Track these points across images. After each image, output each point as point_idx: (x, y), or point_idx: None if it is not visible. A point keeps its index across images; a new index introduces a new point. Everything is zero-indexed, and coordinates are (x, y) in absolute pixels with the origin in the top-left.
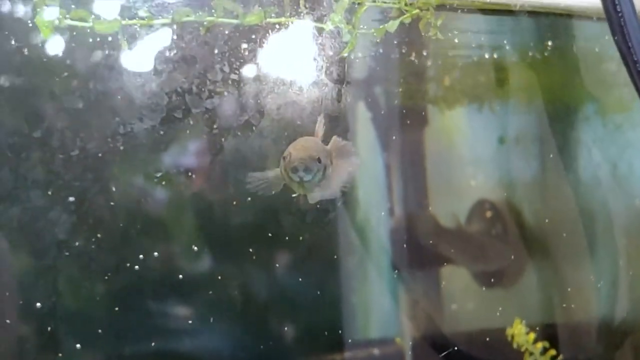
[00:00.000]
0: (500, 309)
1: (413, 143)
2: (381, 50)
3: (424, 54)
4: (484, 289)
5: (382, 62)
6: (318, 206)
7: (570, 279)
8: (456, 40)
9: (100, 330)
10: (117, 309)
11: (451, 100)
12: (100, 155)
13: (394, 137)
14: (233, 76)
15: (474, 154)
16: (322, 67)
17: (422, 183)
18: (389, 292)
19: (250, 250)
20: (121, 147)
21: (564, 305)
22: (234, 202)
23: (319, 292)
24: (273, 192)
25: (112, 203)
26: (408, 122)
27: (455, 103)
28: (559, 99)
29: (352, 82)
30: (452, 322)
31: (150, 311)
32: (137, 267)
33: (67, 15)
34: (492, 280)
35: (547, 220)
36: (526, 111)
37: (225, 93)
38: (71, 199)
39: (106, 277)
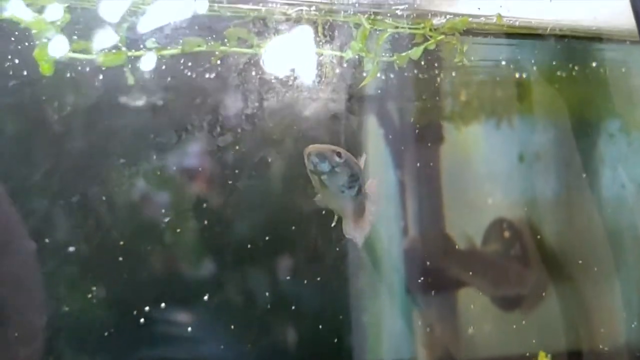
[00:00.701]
0: (520, 333)
1: (429, 159)
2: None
3: (443, 71)
4: (502, 312)
5: (397, 77)
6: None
7: (595, 303)
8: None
9: None
10: None
11: (471, 117)
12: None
13: (408, 154)
14: (247, 111)
15: (492, 171)
16: (341, 97)
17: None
18: (402, 314)
19: (262, 269)
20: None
21: (588, 331)
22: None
23: (329, 313)
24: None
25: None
26: (423, 138)
27: (476, 119)
28: (582, 116)
29: (364, 98)
30: (469, 346)
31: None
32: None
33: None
34: (512, 303)
35: (568, 242)
36: (547, 128)
37: (239, 129)
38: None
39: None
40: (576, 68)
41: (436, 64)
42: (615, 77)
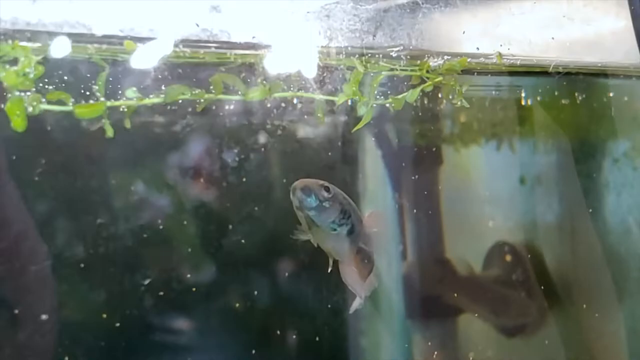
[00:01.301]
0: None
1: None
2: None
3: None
4: (503, 337)
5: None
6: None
7: (597, 330)
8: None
9: None
10: None
11: (471, 140)
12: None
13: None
14: (233, 164)
15: (493, 194)
16: (334, 146)
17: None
18: (401, 339)
19: (259, 292)
20: None
21: (590, 358)
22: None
23: (327, 336)
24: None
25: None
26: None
27: (475, 142)
28: (586, 139)
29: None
30: None
31: None
32: None
33: (43, 100)
34: (513, 329)
35: (571, 267)
36: (550, 151)
37: (224, 183)
38: None
39: None
40: (580, 97)
41: (436, 102)
42: (619, 102)
